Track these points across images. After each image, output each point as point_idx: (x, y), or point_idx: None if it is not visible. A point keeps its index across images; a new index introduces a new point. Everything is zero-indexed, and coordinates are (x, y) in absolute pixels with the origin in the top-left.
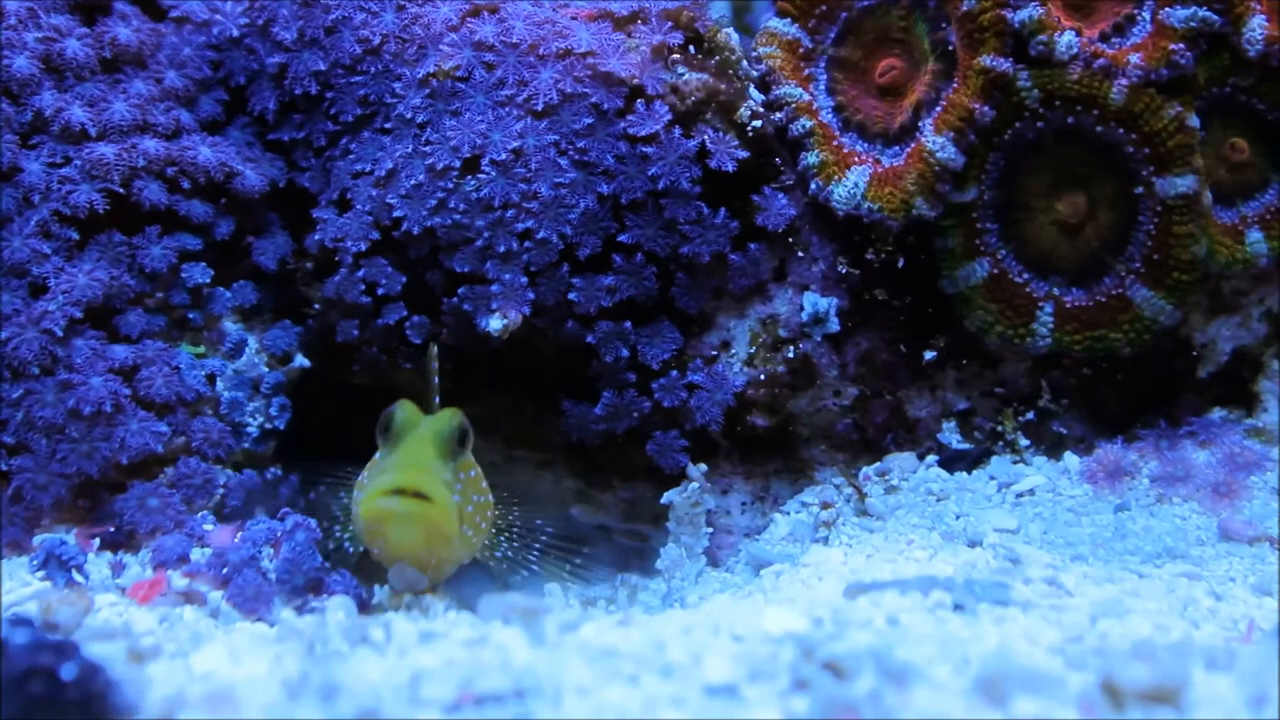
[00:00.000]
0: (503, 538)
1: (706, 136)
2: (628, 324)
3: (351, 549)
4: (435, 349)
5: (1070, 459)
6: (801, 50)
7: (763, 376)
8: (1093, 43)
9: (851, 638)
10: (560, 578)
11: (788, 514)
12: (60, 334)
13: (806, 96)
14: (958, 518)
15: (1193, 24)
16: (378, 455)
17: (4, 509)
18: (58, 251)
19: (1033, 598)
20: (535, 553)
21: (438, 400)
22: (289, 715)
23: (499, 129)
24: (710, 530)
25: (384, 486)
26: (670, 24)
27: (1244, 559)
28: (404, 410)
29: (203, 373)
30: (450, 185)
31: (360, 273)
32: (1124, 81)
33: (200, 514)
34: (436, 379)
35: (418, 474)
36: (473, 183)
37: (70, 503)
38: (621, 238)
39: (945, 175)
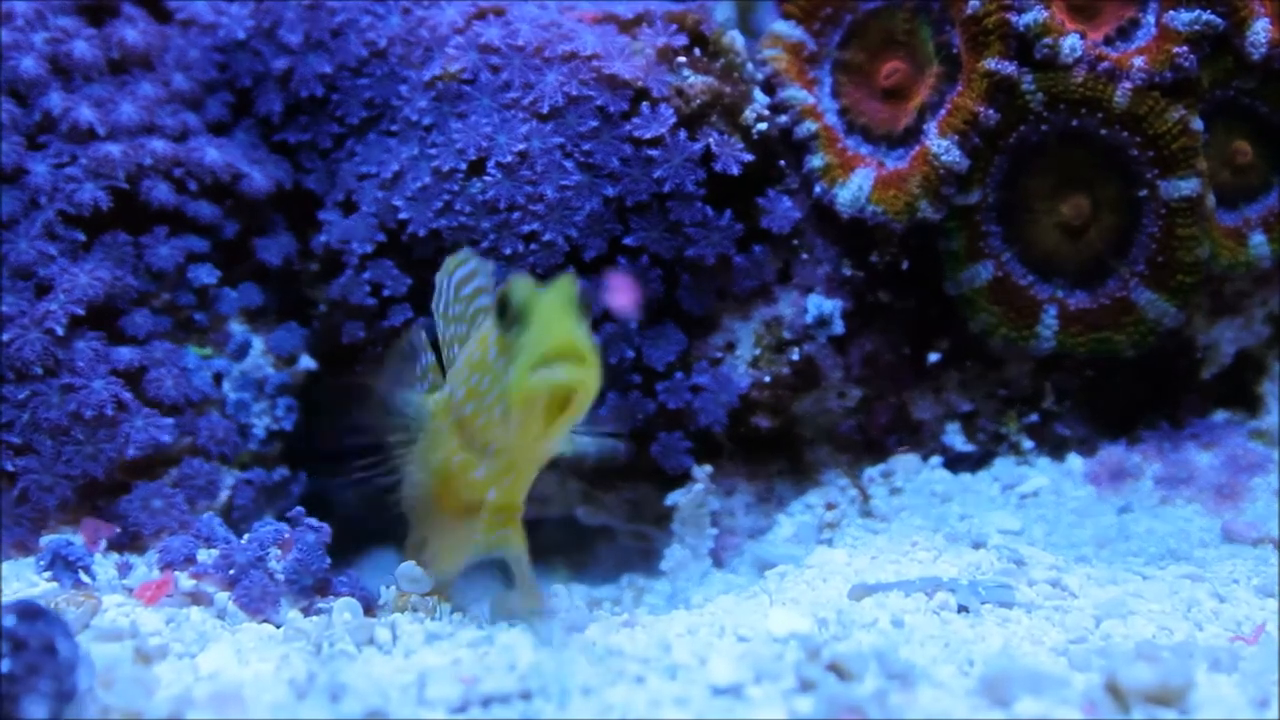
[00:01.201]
0: None
1: (711, 139)
2: (633, 325)
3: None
4: (422, 331)
5: (1073, 460)
6: (806, 53)
7: (767, 378)
8: (1097, 46)
9: (856, 638)
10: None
11: (792, 515)
12: (61, 333)
13: (811, 99)
14: (962, 519)
15: (1196, 27)
16: (475, 355)
17: (7, 509)
18: (63, 253)
19: (1036, 599)
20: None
21: (425, 386)
22: (296, 715)
23: (504, 131)
24: (715, 531)
25: (540, 355)
26: (675, 27)
27: (1247, 561)
28: (519, 286)
29: (209, 374)
30: (456, 187)
31: (366, 274)
32: (1128, 84)
33: (205, 514)
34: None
35: (574, 337)
36: (478, 185)
37: (76, 503)
38: (626, 240)
39: (949, 178)
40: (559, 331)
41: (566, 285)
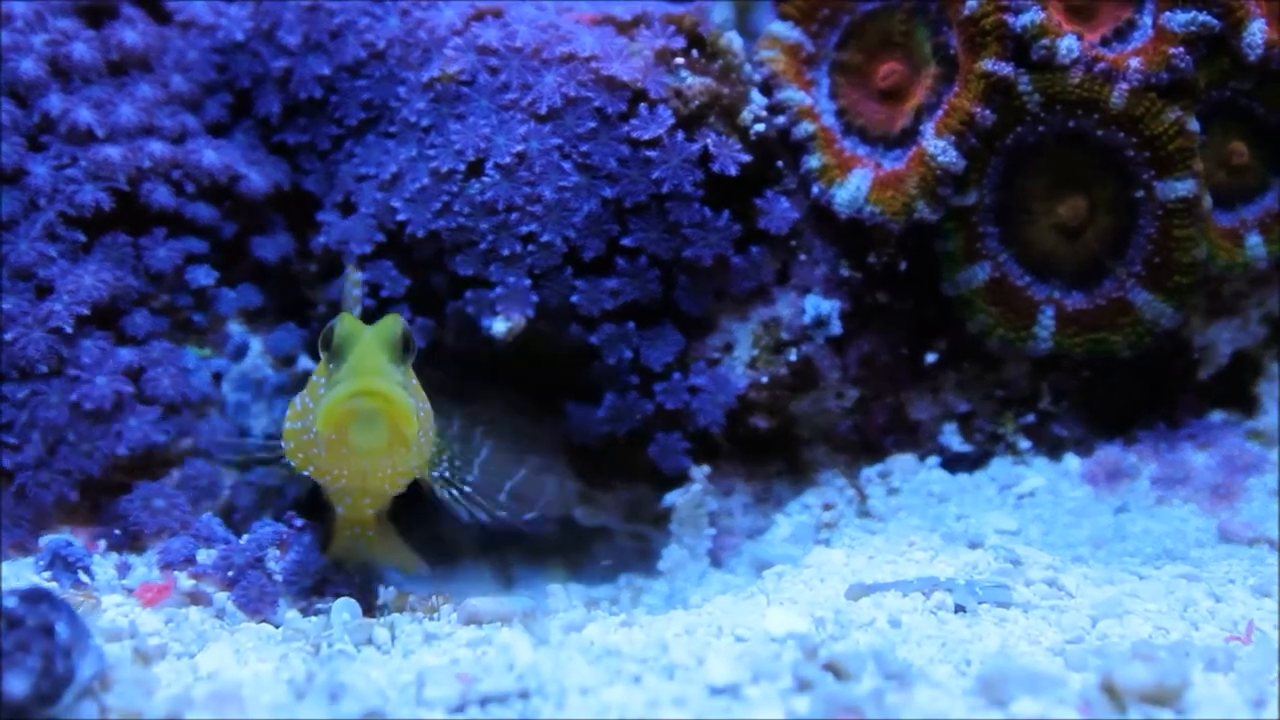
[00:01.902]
0: (444, 456)
1: (709, 140)
2: (631, 325)
3: (295, 490)
4: (357, 274)
5: (1070, 461)
6: (804, 54)
7: (765, 379)
8: (1094, 47)
9: (853, 638)
10: (492, 505)
11: (789, 515)
12: (70, 332)
13: (808, 100)
14: (959, 519)
15: (1193, 28)
16: (315, 377)
17: (7, 509)
18: (63, 254)
19: (1033, 599)
20: (474, 473)
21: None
22: (295, 715)
23: (503, 133)
24: (713, 531)
25: (342, 393)
26: (673, 28)
27: (1243, 560)
28: (345, 323)
29: (208, 373)
30: (454, 188)
31: (365, 275)
32: (1124, 85)
33: (205, 515)
34: (359, 292)
35: (375, 377)
36: (477, 186)
37: (76, 502)
38: (625, 241)
39: (946, 178)
40: (365, 374)
41: (388, 326)
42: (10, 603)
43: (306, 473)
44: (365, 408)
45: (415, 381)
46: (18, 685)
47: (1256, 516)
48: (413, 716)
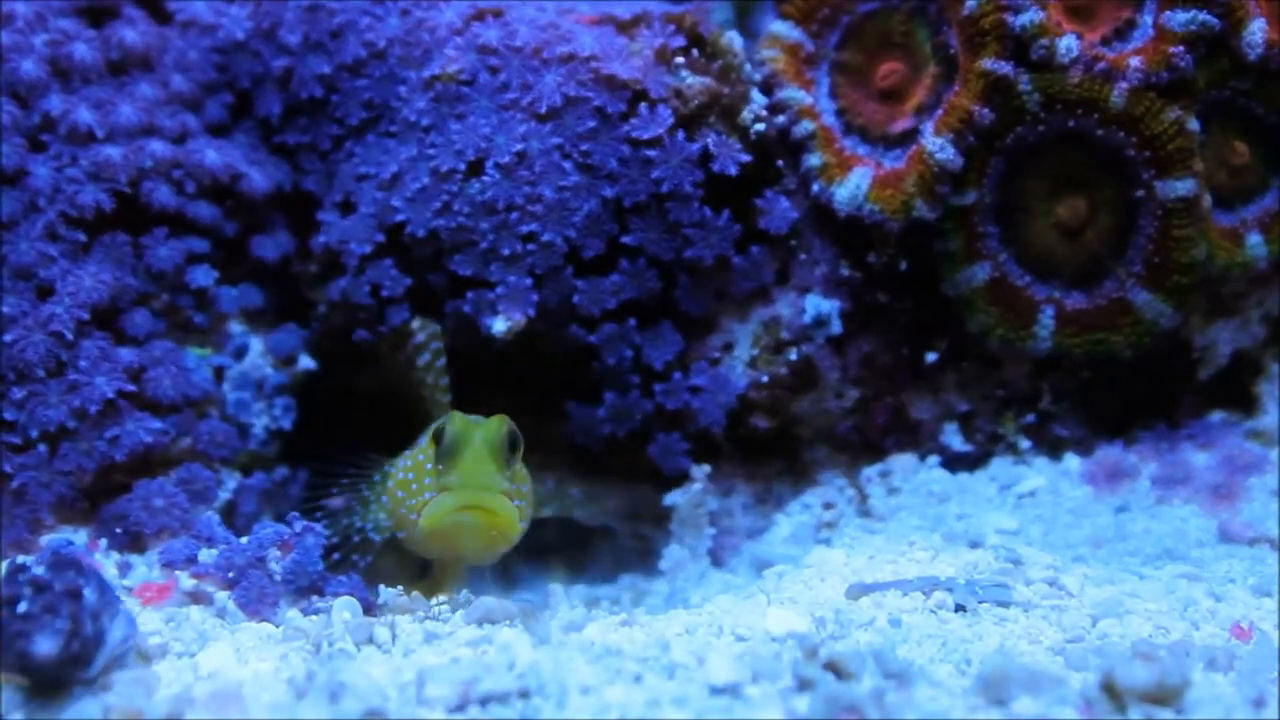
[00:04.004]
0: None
1: (709, 140)
2: (631, 324)
3: (377, 537)
4: (431, 326)
5: (1071, 460)
6: (804, 54)
7: (765, 379)
8: (1093, 46)
9: (854, 638)
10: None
11: (790, 515)
12: (70, 337)
13: (809, 99)
14: (959, 519)
15: (1192, 27)
16: (419, 455)
17: (6, 509)
18: (64, 254)
19: (1033, 598)
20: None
21: (445, 382)
22: (295, 714)
23: (503, 132)
24: (713, 531)
25: (450, 505)
26: (673, 28)
27: (1243, 560)
28: (456, 424)
29: (209, 371)
30: (454, 188)
31: (365, 275)
32: (1124, 85)
33: (205, 515)
34: (437, 345)
35: (483, 492)
36: (477, 186)
37: (74, 503)
38: (625, 240)
39: (944, 176)
40: (475, 489)
41: (494, 429)
42: (38, 570)
43: (400, 535)
44: (472, 523)
45: (523, 469)
46: (47, 645)
47: (1257, 516)
48: (413, 715)
